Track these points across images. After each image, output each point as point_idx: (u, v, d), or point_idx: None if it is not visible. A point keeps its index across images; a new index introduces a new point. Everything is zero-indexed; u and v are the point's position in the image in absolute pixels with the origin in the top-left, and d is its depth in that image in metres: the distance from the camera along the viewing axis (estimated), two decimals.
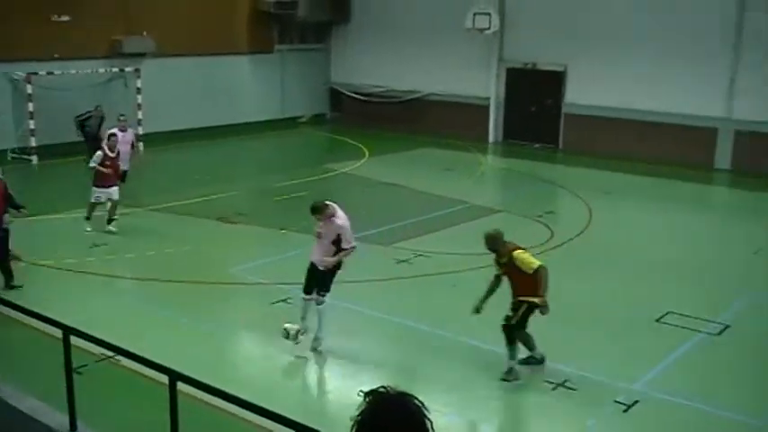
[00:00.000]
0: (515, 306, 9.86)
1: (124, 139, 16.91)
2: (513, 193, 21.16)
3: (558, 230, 16.64)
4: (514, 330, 9.85)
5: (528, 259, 9.80)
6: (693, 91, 23.58)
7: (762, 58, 22.53)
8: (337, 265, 10.63)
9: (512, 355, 9.84)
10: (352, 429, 2.91)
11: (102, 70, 24.21)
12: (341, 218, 10.58)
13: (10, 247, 12.55)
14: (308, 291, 10.67)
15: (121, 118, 17.65)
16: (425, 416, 2.92)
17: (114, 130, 16.86)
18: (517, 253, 9.85)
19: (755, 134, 22.91)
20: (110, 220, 15.60)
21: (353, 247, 10.61)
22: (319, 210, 10.57)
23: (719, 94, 23.38)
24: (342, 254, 10.52)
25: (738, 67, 23.09)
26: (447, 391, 9.65)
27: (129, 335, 10.47)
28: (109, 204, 15.61)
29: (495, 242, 10.08)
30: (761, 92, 22.63)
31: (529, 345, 10.03)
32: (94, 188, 15.59)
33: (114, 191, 15.66)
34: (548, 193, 21.33)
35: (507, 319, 9.84)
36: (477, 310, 10.18)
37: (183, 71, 26.57)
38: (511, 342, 9.85)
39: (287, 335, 10.48)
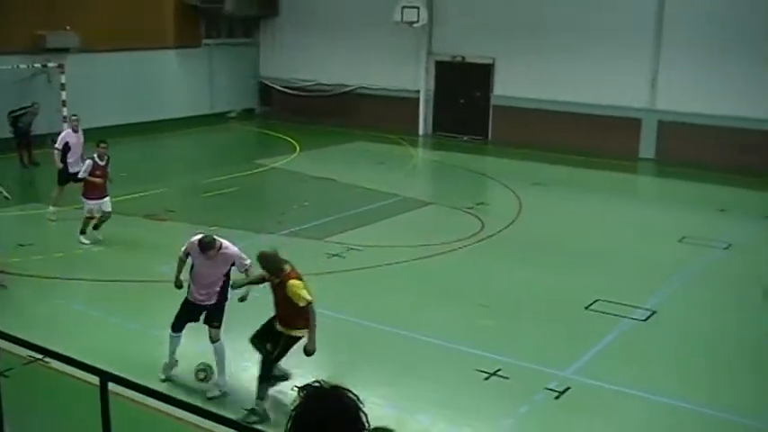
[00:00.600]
0: (278, 339, 9.06)
1: (78, 140, 16.47)
2: (444, 185, 21.32)
3: (489, 221, 16.82)
4: (273, 365, 9.10)
5: (299, 292, 8.80)
6: (618, 82, 24.07)
7: (683, 47, 23.10)
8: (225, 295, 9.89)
9: (261, 394, 8.96)
10: (287, 425, 2.91)
11: (23, 66, 23.59)
12: (228, 246, 9.77)
13: None
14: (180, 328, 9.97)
15: (74, 118, 16.91)
16: (360, 409, 2.93)
17: (68, 131, 16.50)
18: (291, 282, 8.88)
19: (678, 123, 23.49)
20: (97, 226, 14.78)
21: (251, 264, 9.74)
22: (211, 245, 9.56)
23: (643, 84, 23.91)
24: (247, 279, 9.74)
25: (660, 58, 23.64)
26: (382, 384, 9.69)
27: (58, 336, 10.27)
28: (97, 215, 14.76)
29: (267, 262, 9.06)
30: (682, 82, 23.22)
31: (272, 380, 9.20)
32: (85, 200, 14.66)
33: (107, 202, 14.79)
34: (478, 184, 21.55)
35: (268, 353, 9.04)
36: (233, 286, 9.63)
37: (108, 66, 26.07)
38: (263, 379, 9.00)
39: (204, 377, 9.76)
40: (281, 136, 26.78)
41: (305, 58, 30.05)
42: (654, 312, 12.01)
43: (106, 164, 14.91)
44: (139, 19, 26.89)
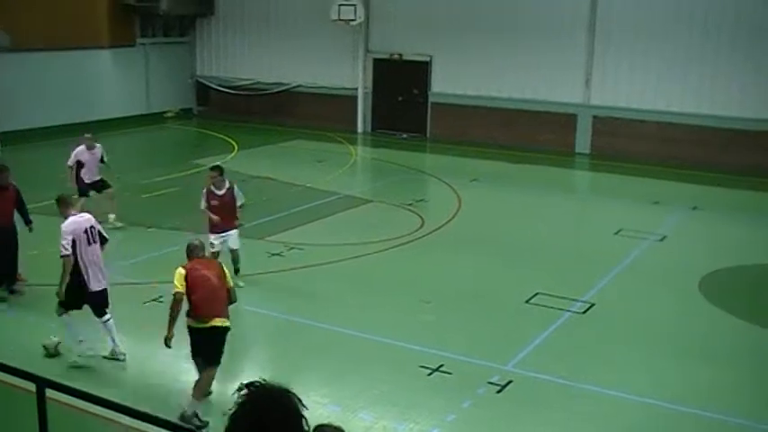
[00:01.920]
0: None
1: (94, 156, 16.14)
2: (384, 183, 21.37)
3: (429, 218, 16.92)
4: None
5: (174, 278, 8.95)
6: (553, 78, 24.42)
7: (616, 43, 23.51)
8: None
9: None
10: (226, 425, 2.90)
11: None
12: (67, 222, 10.15)
13: None
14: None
15: (87, 136, 16.58)
16: (300, 409, 2.93)
17: (81, 148, 16.16)
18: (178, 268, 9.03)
19: (612, 119, 23.90)
20: (236, 270, 12.78)
21: (62, 256, 9.97)
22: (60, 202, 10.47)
23: (577, 80, 24.27)
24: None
25: (594, 53, 24.02)
26: (324, 383, 9.69)
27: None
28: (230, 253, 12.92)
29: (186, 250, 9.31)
30: (615, 77, 23.64)
31: None
32: (210, 235, 12.85)
33: (234, 236, 12.92)
34: (417, 181, 21.65)
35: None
36: None
37: (40, 66, 25.54)
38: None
39: (47, 352, 10.20)
40: (219, 135, 26.56)
41: (242, 57, 29.86)
42: (592, 305, 12.21)
43: (226, 193, 12.86)
44: (73, 18, 26.42)
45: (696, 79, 22.64)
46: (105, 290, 10.34)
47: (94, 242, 10.18)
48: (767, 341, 11.47)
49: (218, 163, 13.21)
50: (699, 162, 22.28)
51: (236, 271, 12.62)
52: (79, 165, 16.12)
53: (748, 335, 11.58)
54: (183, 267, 9.04)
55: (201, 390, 8.90)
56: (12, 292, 12.37)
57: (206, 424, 8.67)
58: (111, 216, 16.09)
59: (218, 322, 8.96)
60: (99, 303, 10.28)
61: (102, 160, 16.35)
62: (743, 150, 22.17)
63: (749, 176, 21.15)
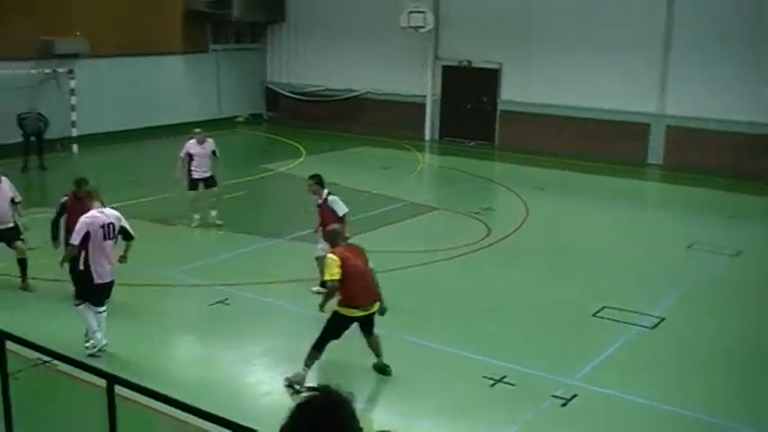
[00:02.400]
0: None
1: (204, 150, 16.59)
2: (450, 191, 21.30)
3: (496, 227, 16.81)
4: (319, 337, 9.70)
5: (326, 265, 9.55)
6: (626, 87, 24.04)
7: (692, 53, 23.06)
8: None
9: (306, 362, 9.63)
10: (282, 426, 2.91)
11: (33, 72, 23.68)
12: (86, 215, 10.40)
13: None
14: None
15: (196, 130, 17.12)
16: (356, 417, 2.93)
17: (192, 142, 16.66)
18: (327, 256, 9.65)
19: (687, 129, 23.44)
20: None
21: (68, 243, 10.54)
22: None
23: (651, 90, 23.87)
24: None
25: (669, 64, 23.61)
26: (387, 390, 9.68)
27: (67, 339, 10.29)
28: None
29: (326, 236, 10.15)
30: (691, 87, 23.17)
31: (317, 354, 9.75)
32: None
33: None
34: (484, 189, 21.53)
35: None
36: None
37: (117, 72, 26.14)
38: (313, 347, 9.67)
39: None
40: (287, 141, 26.81)
41: (312, 64, 30.10)
42: (662, 319, 11.97)
43: (323, 203, 12.61)
44: (147, 25, 26.98)
45: None
46: (110, 282, 10.53)
47: (110, 238, 10.33)
48: None
49: (316, 172, 13.05)
50: None
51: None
52: (190, 158, 16.53)
53: None
54: (336, 255, 9.42)
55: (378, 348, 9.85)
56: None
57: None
58: (213, 212, 16.56)
59: (375, 307, 9.66)
60: (102, 294, 10.51)
61: (214, 154, 16.71)
62: None
63: None
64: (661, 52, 23.61)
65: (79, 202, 11.39)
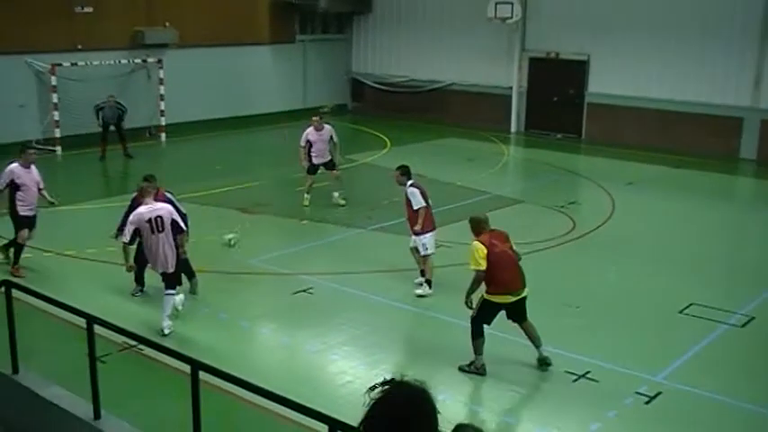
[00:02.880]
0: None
1: (321, 136, 17.20)
2: (535, 184, 21.08)
3: (581, 221, 16.56)
4: (472, 323, 9.82)
5: (472, 255, 9.64)
6: (718, 80, 23.38)
7: None
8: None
9: (476, 351, 9.81)
10: (364, 418, 2.90)
11: (124, 61, 24.30)
12: (135, 212, 11.03)
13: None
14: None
15: (315, 118, 17.59)
16: (435, 407, 2.91)
17: (310, 129, 17.24)
18: (472, 244, 9.78)
19: None
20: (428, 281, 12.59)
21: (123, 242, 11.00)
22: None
23: (745, 83, 23.15)
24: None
25: (765, 56, 22.85)
26: (467, 382, 9.64)
27: (152, 324, 10.53)
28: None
29: (471, 224, 10.14)
30: None
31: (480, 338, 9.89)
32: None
33: (425, 240, 12.62)
34: (570, 183, 21.23)
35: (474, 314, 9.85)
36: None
37: (204, 62, 26.62)
38: (473, 337, 9.82)
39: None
40: (372, 132, 26.90)
41: (397, 55, 30.13)
42: (752, 318, 11.62)
43: (405, 194, 12.72)
44: (235, 15, 27.40)
45: None
46: (169, 273, 10.89)
47: (159, 231, 10.70)
48: None
49: (403, 163, 13.16)
50: None
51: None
52: (309, 145, 17.11)
53: None
54: (482, 243, 9.58)
55: (538, 337, 9.82)
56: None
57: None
58: (336, 194, 17.37)
59: (525, 292, 9.74)
60: (166, 281, 10.94)
61: (332, 139, 17.32)
62: None
63: None
64: (757, 41, 22.84)
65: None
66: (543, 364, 9.86)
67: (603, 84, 25.67)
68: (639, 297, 12.52)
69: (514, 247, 9.97)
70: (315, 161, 17.17)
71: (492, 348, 10.61)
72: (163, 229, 10.70)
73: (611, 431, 8.83)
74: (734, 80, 23.19)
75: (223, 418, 8.36)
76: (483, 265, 9.48)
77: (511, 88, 27.45)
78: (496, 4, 26.09)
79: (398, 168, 12.94)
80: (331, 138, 17.27)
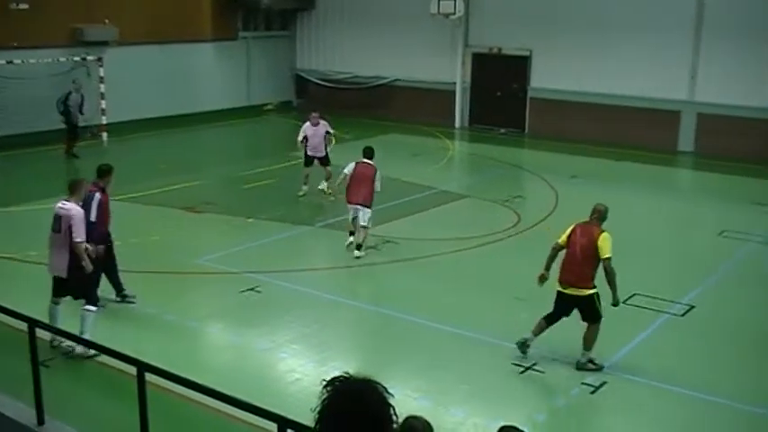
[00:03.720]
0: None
1: (317, 131, 17.98)
2: (480, 178, 21.23)
3: (526, 214, 16.73)
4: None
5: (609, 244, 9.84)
6: (656, 74, 23.80)
7: (723, 39, 22.76)
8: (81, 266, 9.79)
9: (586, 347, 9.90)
10: (315, 419, 2.91)
11: (63, 59, 23.87)
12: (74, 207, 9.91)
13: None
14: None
15: (314, 114, 18.37)
16: (388, 402, 2.91)
17: (307, 125, 18.13)
18: (605, 235, 9.93)
19: (718, 116, 23.16)
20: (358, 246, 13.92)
21: (79, 243, 9.75)
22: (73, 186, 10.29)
23: (682, 76, 23.61)
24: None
25: (700, 50, 23.33)
26: (417, 376, 9.69)
27: (97, 327, 10.38)
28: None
29: (601, 214, 10.36)
30: (722, 74, 22.90)
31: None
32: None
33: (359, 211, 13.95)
34: (514, 177, 21.44)
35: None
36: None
37: (146, 59, 26.30)
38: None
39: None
40: None
41: (341, 51, 30.10)
42: (692, 307, 11.87)
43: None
44: (176, 12, 27.12)
45: None
46: (56, 277, 10.03)
47: (55, 231, 9.94)
48: None
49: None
50: None
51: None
52: (306, 139, 17.97)
53: None
54: (608, 233, 9.88)
55: (590, 342, 9.77)
56: (124, 298, 11.82)
57: (601, 367, 9.72)
58: (324, 184, 17.88)
59: (571, 291, 9.82)
60: (59, 289, 10.06)
61: (328, 134, 18.23)
62: None
63: None
64: (692, 37, 23.31)
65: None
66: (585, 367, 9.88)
67: (546, 79, 25.95)
68: None
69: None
70: (309, 153, 17.97)
71: (437, 341, 10.69)
72: (59, 230, 9.93)
73: (558, 421, 8.96)
74: (671, 74, 23.64)
75: (171, 419, 8.29)
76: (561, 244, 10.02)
77: (455, 84, 27.61)
78: (439, 0, 26.21)
79: (366, 149, 14.92)
80: (327, 132, 18.20)
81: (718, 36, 22.88)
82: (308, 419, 3.00)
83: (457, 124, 27.73)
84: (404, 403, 2.91)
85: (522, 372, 9.75)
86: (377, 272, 13.49)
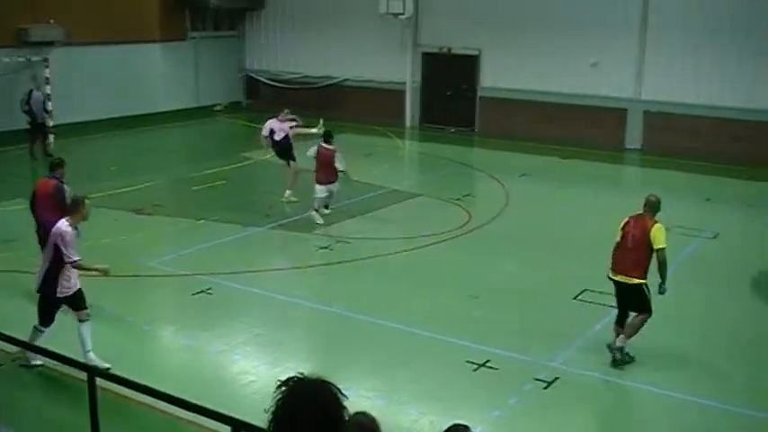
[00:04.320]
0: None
1: (282, 127, 17.97)
2: (432, 177, 21.33)
3: (476, 213, 16.86)
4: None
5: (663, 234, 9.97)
6: (604, 73, 24.12)
7: (669, 38, 23.14)
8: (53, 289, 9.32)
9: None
10: (269, 420, 2.91)
11: (6, 59, 23.41)
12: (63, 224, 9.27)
13: None
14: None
15: (286, 110, 18.55)
16: (340, 402, 2.93)
17: (274, 120, 18.18)
18: (658, 225, 10.06)
19: (664, 114, 23.56)
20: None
21: (74, 262, 9.33)
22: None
23: (628, 75, 23.97)
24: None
25: (646, 49, 23.69)
26: (370, 376, 9.72)
27: (48, 331, 10.22)
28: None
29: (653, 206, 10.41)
30: (668, 72, 23.28)
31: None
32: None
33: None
34: (465, 176, 21.57)
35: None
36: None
37: (93, 60, 25.95)
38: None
39: None
40: None
41: (291, 51, 29.99)
42: None
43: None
44: (124, 12, 26.79)
45: (749, 73, 22.23)
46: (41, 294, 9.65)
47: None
48: None
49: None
50: (753, 158, 21.86)
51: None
52: (271, 133, 17.96)
53: None
54: (660, 224, 10.04)
55: (631, 329, 9.91)
56: None
57: (632, 359, 9.89)
58: (288, 192, 17.58)
59: (621, 278, 9.98)
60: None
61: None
62: None
63: None
64: (636, 35, 23.68)
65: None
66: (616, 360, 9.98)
67: (495, 78, 26.15)
68: (535, 285, 12.83)
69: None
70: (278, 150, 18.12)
71: (391, 340, 10.72)
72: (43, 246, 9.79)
73: (512, 418, 9.04)
74: (617, 73, 23.99)
75: (125, 424, 8.20)
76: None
77: (404, 83, 27.68)
78: (388, 0, 26.26)
79: (326, 133, 16.18)
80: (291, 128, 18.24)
81: (664, 34, 23.25)
82: (262, 421, 3.01)
83: (408, 124, 27.80)
84: (358, 403, 2.94)
85: (476, 369, 9.82)
86: (330, 272, 13.50)
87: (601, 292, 12.22)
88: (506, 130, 25.48)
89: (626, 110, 24.25)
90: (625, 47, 23.77)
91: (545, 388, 9.42)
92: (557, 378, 9.61)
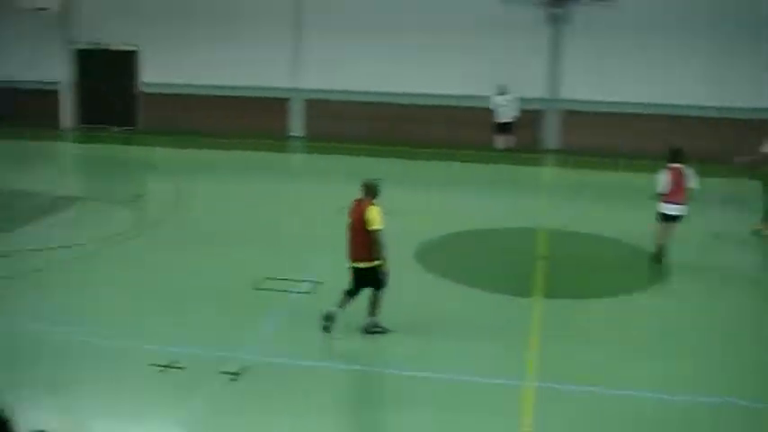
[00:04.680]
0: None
1: None
2: (97, 180, 20.43)
3: (149, 212, 16.42)
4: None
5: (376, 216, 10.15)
6: (264, 64, 24.56)
7: (321, 30, 24.02)
8: None
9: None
10: None
11: None
12: None
13: None
14: None
15: None
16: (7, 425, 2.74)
17: None
18: (372, 207, 10.21)
19: (322, 101, 24.52)
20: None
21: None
22: None
23: (287, 65, 24.55)
24: None
25: (302, 40, 24.40)
26: (50, 393, 9.08)
27: None
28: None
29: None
30: (325, 60, 24.21)
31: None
32: None
33: None
34: (133, 176, 20.89)
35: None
36: None
37: None
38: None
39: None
40: None
41: None
42: (319, 283, 12.37)
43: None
44: None
45: (419, 58, 23.74)
46: None
47: None
48: (487, 304, 12.22)
49: None
50: (412, 138, 23.36)
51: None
52: None
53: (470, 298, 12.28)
54: (375, 205, 10.26)
55: (375, 306, 10.52)
56: None
57: (386, 330, 10.55)
58: None
59: (354, 265, 10.38)
60: None
61: None
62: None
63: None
64: (293, 30, 24.38)
65: None
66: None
67: (157, 73, 25.65)
68: (216, 280, 12.71)
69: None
70: None
71: (70, 350, 10.13)
72: None
73: (203, 415, 8.87)
74: (277, 63, 24.61)
75: None
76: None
77: (58, 83, 26.22)
78: None
79: None
80: None
81: (316, 26, 24.13)
82: None
83: (66, 125, 26.39)
84: (38, 423, 2.70)
85: (161, 371, 9.52)
86: None
87: (281, 279, 12.42)
88: (172, 126, 25.19)
89: (288, 99, 24.83)
90: (283, 39, 24.41)
91: (233, 379, 9.35)
92: (245, 368, 9.58)
